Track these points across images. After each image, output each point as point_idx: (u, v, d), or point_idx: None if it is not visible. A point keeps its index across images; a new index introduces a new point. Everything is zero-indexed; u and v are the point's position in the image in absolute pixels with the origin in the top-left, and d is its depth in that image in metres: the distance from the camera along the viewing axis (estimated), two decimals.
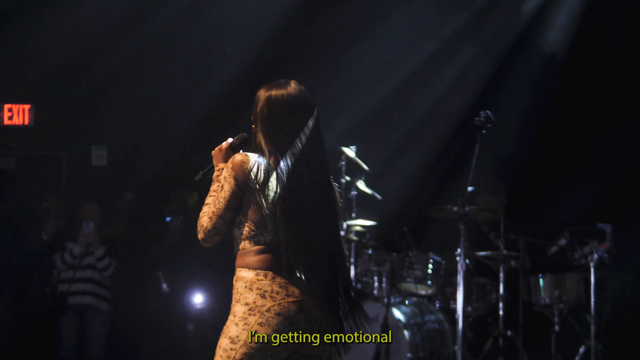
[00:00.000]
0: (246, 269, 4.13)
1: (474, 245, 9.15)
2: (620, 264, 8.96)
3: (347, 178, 9.70)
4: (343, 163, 9.71)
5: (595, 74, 10.58)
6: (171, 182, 10.78)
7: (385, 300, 8.75)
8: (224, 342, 4.06)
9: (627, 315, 9.09)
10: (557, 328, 8.79)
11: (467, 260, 8.36)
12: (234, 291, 4.15)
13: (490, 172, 9.62)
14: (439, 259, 9.23)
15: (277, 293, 4.07)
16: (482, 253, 9.03)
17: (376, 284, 9.23)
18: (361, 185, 9.67)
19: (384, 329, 8.49)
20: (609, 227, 8.97)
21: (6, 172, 11.83)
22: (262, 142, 4.20)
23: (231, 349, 4.03)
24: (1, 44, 11.10)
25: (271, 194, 4.10)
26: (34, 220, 10.27)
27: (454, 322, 8.70)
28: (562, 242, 9.11)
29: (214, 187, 4.25)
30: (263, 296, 4.06)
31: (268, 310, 4.04)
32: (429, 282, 9.20)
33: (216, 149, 4.38)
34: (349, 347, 4.32)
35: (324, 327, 4.15)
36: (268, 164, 4.13)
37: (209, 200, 4.22)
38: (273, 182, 4.11)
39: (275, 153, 4.15)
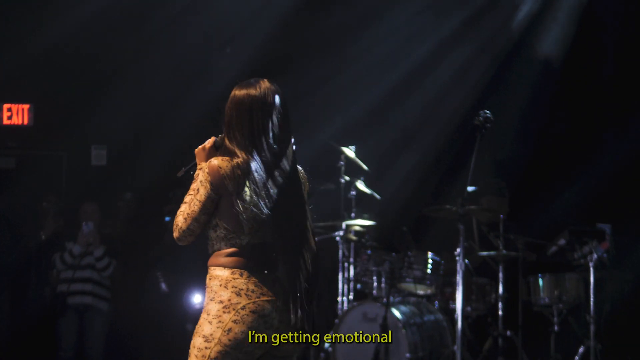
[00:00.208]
0: (221, 268, 4.14)
1: (481, 245, 9.15)
2: (619, 264, 8.96)
3: (347, 178, 9.71)
4: (342, 163, 9.72)
5: (594, 73, 10.58)
6: (170, 182, 10.77)
7: (385, 300, 8.75)
8: (198, 341, 4.06)
9: (627, 315, 9.09)
10: (556, 328, 8.78)
11: (466, 260, 8.34)
12: (208, 290, 4.15)
13: (490, 172, 9.62)
14: (438, 259, 9.23)
15: (253, 292, 4.08)
16: (483, 253, 9.01)
17: (375, 284, 9.23)
18: (360, 185, 9.68)
19: (383, 329, 8.49)
20: (608, 227, 8.96)
21: (6, 172, 11.84)
22: (227, 143, 4.22)
23: (206, 348, 4.03)
24: (1, 43, 11.09)
25: (247, 197, 4.11)
26: (34, 220, 10.27)
27: (453, 322, 8.70)
28: (562, 242, 9.10)
29: (194, 185, 4.23)
30: (238, 294, 4.07)
31: (243, 308, 4.05)
32: (428, 282, 9.20)
33: (199, 147, 4.35)
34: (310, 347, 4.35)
35: (298, 327, 4.19)
36: (240, 166, 4.12)
37: (187, 198, 4.22)
38: (248, 186, 4.11)
39: (242, 154, 4.15)
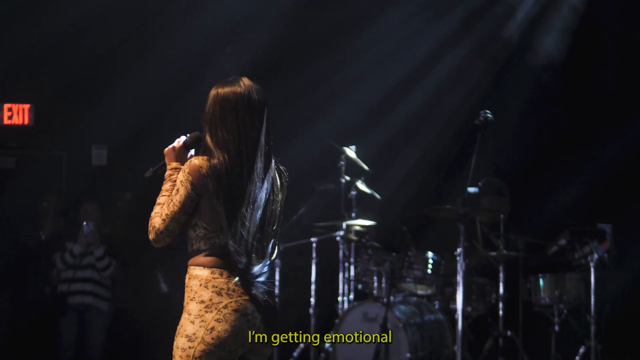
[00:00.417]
0: (200, 267, 4.12)
1: (483, 245, 9.14)
2: (620, 264, 8.95)
3: (347, 178, 9.71)
4: (343, 163, 9.73)
5: (594, 72, 10.57)
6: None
7: (385, 300, 8.75)
8: (181, 342, 4.06)
9: (627, 315, 9.08)
10: (557, 328, 8.76)
11: (466, 260, 8.33)
12: (188, 289, 4.13)
13: (490, 172, 9.61)
14: (438, 258, 9.22)
15: (234, 291, 4.09)
16: (492, 253, 9.00)
17: (376, 284, 9.22)
18: (361, 185, 9.67)
19: (384, 329, 8.49)
20: (609, 227, 8.96)
21: (6, 172, 11.83)
22: (210, 143, 4.17)
23: (189, 347, 4.02)
24: (1, 43, 11.09)
25: (227, 198, 4.08)
26: (34, 219, 10.27)
27: (453, 322, 8.69)
28: (562, 242, 9.09)
29: (166, 186, 4.23)
30: (219, 294, 4.07)
31: (225, 307, 4.06)
32: (429, 282, 9.19)
33: (169, 147, 4.36)
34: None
35: (274, 327, 4.23)
36: (221, 166, 4.09)
37: (160, 200, 4.20)
38: (228, 186, 4.08)
39: (223, 154, 4.11)
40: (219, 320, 4.03)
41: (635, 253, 9.13)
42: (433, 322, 9.15)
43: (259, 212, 4.19)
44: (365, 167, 9.66)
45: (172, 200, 4.12)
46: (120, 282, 9.92)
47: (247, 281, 4.12)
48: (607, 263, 8.78)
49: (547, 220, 9.73)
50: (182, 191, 4.09)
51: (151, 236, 4.19)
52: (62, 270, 9.66)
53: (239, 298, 4.09)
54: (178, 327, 4.11)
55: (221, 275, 4.10)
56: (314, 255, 9.73)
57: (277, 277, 9.77)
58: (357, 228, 9.75)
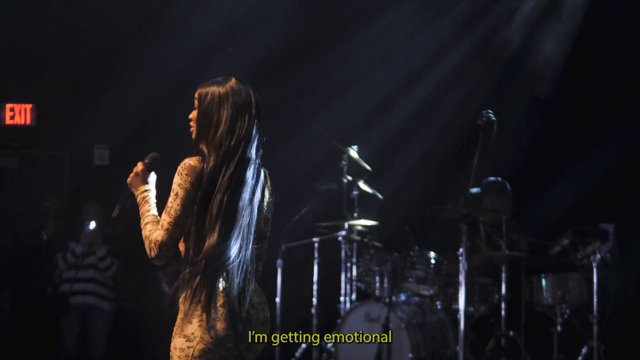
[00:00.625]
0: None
1: (486, 245, 9.13)
2: (622, 264, 8.94)
3: (349, 178, 9.70)
4: (344, 163, 9.72)
5: (596, 71, 10.56)
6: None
7: (387, 300, 8.74)
8: (179, 342, 4.06)
9: (630, 315, 9.06)
10: (559, 328, 8.75)
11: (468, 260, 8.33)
12: (185, 289, 4.12)
13: (493, 172, 9.61)
14: (440, 258, 9.21)
15: (226, 290, 4.08)
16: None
17: (378, 284, 9.21)
18: (363, 185, 9.67)
19: (386, 329, 8.48)
20: (611, 227, 8.95)
21: (8, 172, 11.82)
22: (201, 144, 4.16)
23: (188, 347, 4.03)
24: (2, 43, 11.08)
25: (218, 198, 4.06)
26: (36, 219, 10.27)
27: (455, 322, 8.68)
28: (565, 242, 9.08)
29: (144, 208, 4.22)
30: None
31: (222, 306, 4.06)
32: (431, 282, 9.18)
33: (131, 175, 4.35)
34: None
35: (266, 329, 4.24)
36: (215, 167, 4.08)
37: (148, 219, 4.17)
38: (219, 187, 4.07)
39: (217, 155, 4.10)
40: (217, 319, 4.03)
41: (637, 253, 9.12)
42: (435, 322, 9.14)
43: (250, 212, 4.17)
44: (368, 167, 9.65)
45: (171, 207, 4.06)
46: (122, 282, 9.92)
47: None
48: (609, 263, 8.77)
49: (550, 220, 9.72)
50: (181, 193, 4.05)
51: (153, 253, 4.13)
52: (64, 270, 9.66)
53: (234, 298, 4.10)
54: (175, 327, 4.12)
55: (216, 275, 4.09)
56: (316, 255, 9.72)
57: (279, 277, 9.76)
58: (359, 228, 9.74)
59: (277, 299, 9.78)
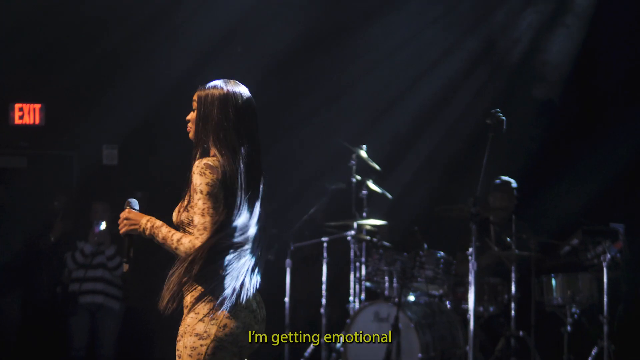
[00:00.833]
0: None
1: (497, 245, 9.12)
2: (633, 264, 8.91)
3: (358, 177, 9.69)
4: (353, 162, 9.70)
5: (604, 70, 10.54)
6: (181, 182, 10.74)
7: (396, 300, 8.72)
8: (190, 341, 4.09)
9: None
10: (569, 328, 8.72)
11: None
12: (192, 289, 4.16)
13: (502, 171, 9.60)
14: (449, 258, 9.19)
15: (237, 290, 4.12)
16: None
17: (387, 284, 9.20)
18: (371, 184, 9.65)
19: (395, 328, 8.46)
20: (621, 227, 8.91)
21: (17, 171, 11.83)
22: (215, 145, 4.20)
23: (201, 345, 4.07)
24: (11, 43, 11.09)
25: (236, 198, 4.13)
26: (44, 219, 10.27)
27: (465, 322, 8.67)
28: (575, 241, 9.06)
29: (162, 230, 4.20)
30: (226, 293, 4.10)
31: (235, 304, 4.11)
32: (440, 281, 9.16)
33: (125, 214, 4.41)
34: None
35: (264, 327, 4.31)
36: (231, 166, 4.14)
37: (176, 236, 4.14)
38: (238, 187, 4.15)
39: (231, 156, 4.16)
40: (230, 317, 4.09)
41: None
42: (445, 322, 9.12)
43: (257, 211, 4.25)
44: (377, 167, 9.64)
45: (206, 207, 4.08)
46: (131, 281, 9.91)
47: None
48: (619, 263, 8.74)
49: (560, 219, 9.71)
50: (212, 192, 4.09)
51: (203, 256, 4.06)
52: (73, 269, 9.67)
53: (245, 297, 4.16)
54: (183, 327, 4.15)
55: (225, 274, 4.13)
56: (325, 254, 9.70)
57: (287, 276, 9.75)
58: (368, 227, 9.73)
59: (286, 299, 9.77)
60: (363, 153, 9.60)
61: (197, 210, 4.09)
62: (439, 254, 9.16)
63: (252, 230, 4.20)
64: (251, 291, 4.18)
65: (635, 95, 10.38)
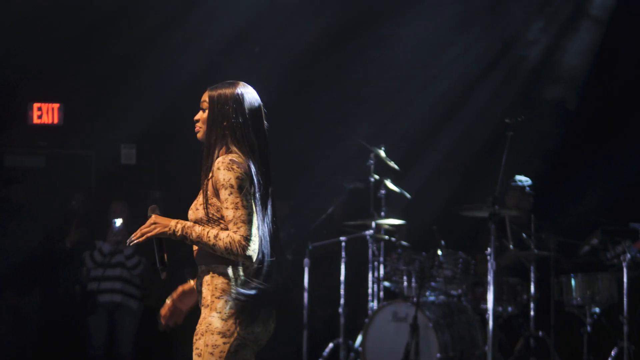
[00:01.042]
0: (224, 265, 4.17)
1: (514, 245, 9.09)
2: None
3: (376, 177, 9.67)
4: (372, 162, 9.68)
5: (624, 67, 10.50)
6: (199, 181, 10.74)
7: (415, 299, 8.69)
8: (212, 339, 4.11)
9: None
10: (589, 329, 8.68)
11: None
12: (212, 288, 4.18)
13: (521, 170, 9.57)
14: (468, 258, 9.16)
15: (256, 289, 4.15)
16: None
17: (405, 284, 9.17)
18: (390, 183, 9.63)
19: (413, 328, 8.44)
20: None
21: (36, 171, 11.87)
22: (235, 144, 4.24)
23: (224, 343, 4.10)
24: (30, 43, 11.11)
25: (259, 196, 4.20)
26: (62, 220, 10.30)
27: (484, 322, 8.64)
28: (594, 241, 9.02)
29: (196, 229, 4.17)
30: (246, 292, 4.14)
31: (257, 302, 4.14)
32: (459, 281, 9.13)
33: (154, 220, 4.31)
34: None
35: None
36: (253, 164, 4.21)
37: (212, 233, 4.13)
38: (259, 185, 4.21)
39: (251, 154, 4.23)
40: (252, 316, 4.13)
41: None
42: (463, 322, 9.08)
43: (271, 210, 4.30)
44: (395, 166, 9.62)
45: (238, 201, 4.10)
46: (149, 280, 9.92)
47: (264, 275, 4.22)
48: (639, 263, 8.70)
49: (579, 219, 9.66)
50: (242, 185, 4.12)
51: (247, 250, 4.07)
52: (91, 268, 9.68)
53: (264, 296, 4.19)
54: (203, 326, 4.17)
55: (244, 273, 4.19)
56: (343, 254, 9.68)
57: (306, 276, 9.74)
58: (387, 227, 9.71)
59: (305, 298, 9.75)
60: (381, 152, 9.58)
61: (228, 205, 4.11)
62: (457, 254, 9.13)
63: (267, 228, 4.24)
64: (269, 289, 4.20)
65: None
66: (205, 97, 4.39)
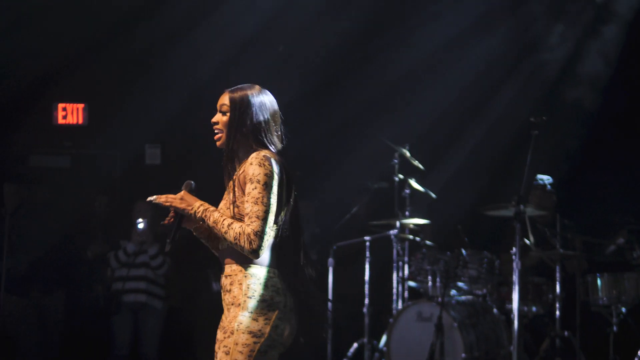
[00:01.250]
0: (257, 266, 4.22)
1: (536, 244, 9.05)
2: None
3: (401, 176, 9.66)
4: (396, 161, 9.67)
5: None
6: (223, 180, 10.75)
7: (440, 299, 8.67)
8: (243, 338, 4.15)
9: None
10: (615, 329, 8.63)
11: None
12: (244, 287, 4.22)
13: (546, 169, 9.53)
14: (493, 257, 9.12)
15: (286, 290, 4.24)
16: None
17: (430, 283, 9.15)
18: (414, 183, 9.61)
19: (438, 328, 8.41)
20: None
21: (61, 171, 11.92)
22: (260, 145, 4.30)
23: (254, 342, 4.15)
24: (54, 43, 11.15)
25: (287, 195, 4.29)
26: (86, 223, 10.35)
27: (509, 322, 8.61)
28: (620, 241, 8.97)
29: (215, 215, 4.25)
30: (278, 293, 4.21)
31: (285, 306, 4.22)
32: (484, 281, 9.10)
33: (182, 196, 4.45)
34: None
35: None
36: (284, 163, 4.29)
37: (228, 221, 4.19)
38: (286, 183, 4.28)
39: (277, 154, 4.31)
40: (281, 319, 4.20)
41: None
42: (488, 322, 9.05)
43: (296, 210, 4.39)
44: (420, 166, 9.60)
45: (262, 197, 4.15)
46: (174, 280, 9.93)
47: (299, 279, 4.31)
48: None
49: (605, 218, 9.61)
50: (270, 182, 4.16)
51: (254, 245, 4.13)
52: (116, 268, 9.70)
53: (290, 297, 4.25)
54: (234, 324, 4.19)
55: (275, 274, 4.24)
56: (367, 254, 9.67)
57: (330, 276, 9.73)
58: (411, 227, 9.69)
59: (329, 298, 9.74)
60: (406, 152, 9.57)
61: (249, 198, 4.16)
62: (482, 253, 9.10)
63: (292, 229, 4.30)
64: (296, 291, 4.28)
65: None
66: (226, 100, 4.41)
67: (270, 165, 4.16)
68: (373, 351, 9.44)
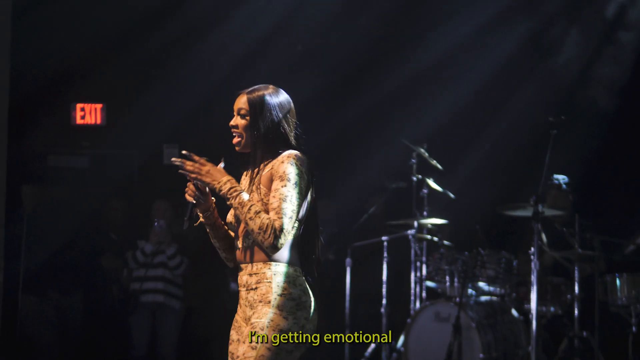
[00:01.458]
0: (284, 264, 4.24)
1: (555, 244, 9.02)
2: None
3: (418, 176, 9.64)
4: (414, 161, 9.66)
5: None
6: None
7: (458, 299, 8.65)
8: (272, 335, 4.15)
9: None
10: (634, 329, 8.59)
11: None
12: (273, 284, 4.21)
13: (564, 169, 9.49)
14: (511, 257, 9.09)
15: (309, 289, 4.29)
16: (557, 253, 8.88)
17: (448, 283, 9.13)
18: (432, 183, 9.60)
19: (456, 328, 8.40)
20: None
21: (79, 171, 11.95)
22: (285, 147, 4.31)
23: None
24: (72, 44, 11.17)
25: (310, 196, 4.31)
26: (101, 227, 10.40)
27: (527, 322, 8.58)
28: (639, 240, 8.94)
29: (243, 196, 4.20)
30: (305, 292, 4.25)
31: (310, 306, 4.25)
32: (502, 281, 9.07)
33: (209, 169, 4.38)
34: None
35: None
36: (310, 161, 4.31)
37: (256, 208, 4.15)
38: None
39: (303, 154, 4.31)
40: (307, 319, 4.23)
41: None
42: (507, 322, 9.03)
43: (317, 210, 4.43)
44: (438, 166, 9.58)
45: (291, 195, 4.15)
46: (191, 280, 9.94)
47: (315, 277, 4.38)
48: None
49: (624, 218, 9.57)
50: (300, 182, 4.18)
51: (275, 240, 4.11)
52: (134, 268, 9.72)
53: (313, 297, 4.29)
54: (265, 320, 4.18)
55: (300, 273, 4.28)
56: (385, 254, 9.66)
57: (348, 275, 9.72)
58: (429, 227, 9.67)
59: (347, 298, 9.74)
60: (424, 151, 9.55)
61: (277, 194, 4.15)
62: (500, 253, 9.07)
63: (312, 228, 4.34)
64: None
65: None
66: (244, 103, 4.38)
67: (302, 165, 4.19)
68: (391, 351, 9.43)
